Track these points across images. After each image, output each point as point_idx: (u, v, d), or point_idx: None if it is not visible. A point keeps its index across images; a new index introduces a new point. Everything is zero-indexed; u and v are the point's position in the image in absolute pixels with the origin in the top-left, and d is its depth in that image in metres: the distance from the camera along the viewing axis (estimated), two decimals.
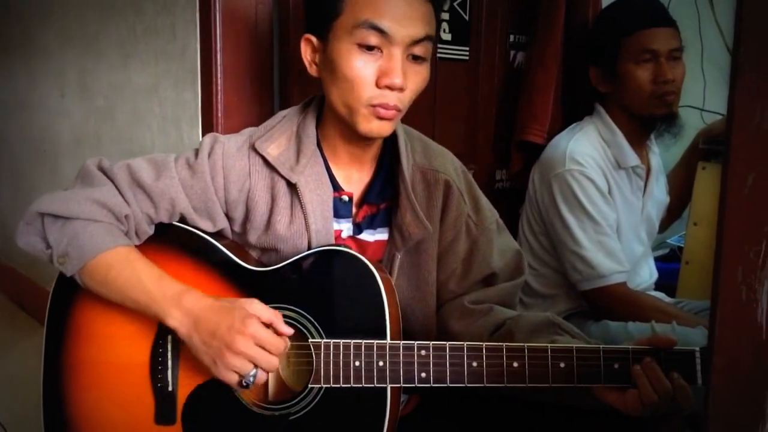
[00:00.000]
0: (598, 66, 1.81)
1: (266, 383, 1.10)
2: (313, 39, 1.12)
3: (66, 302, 1.15)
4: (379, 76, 1.04)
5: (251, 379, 1.00)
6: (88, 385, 1.13)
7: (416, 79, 1.07)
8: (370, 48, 1.03)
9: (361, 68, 1.04)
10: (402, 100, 1.06)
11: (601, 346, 0.98)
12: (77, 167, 1.17)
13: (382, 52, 1.04)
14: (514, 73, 2.20)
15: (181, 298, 1.03)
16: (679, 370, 0.94)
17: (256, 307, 1.02)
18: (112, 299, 1.08)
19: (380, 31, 1.02)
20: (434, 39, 1.08)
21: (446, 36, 2.00)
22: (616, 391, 0.97)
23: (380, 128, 1.08)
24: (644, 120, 1.76)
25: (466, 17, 2.04)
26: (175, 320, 1.03)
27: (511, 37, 2.19)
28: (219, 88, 1.56)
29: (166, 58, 1.79)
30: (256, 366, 1.00)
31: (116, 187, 1.11)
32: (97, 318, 1.13)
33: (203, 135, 1.62)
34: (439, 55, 1.98)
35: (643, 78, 1.72)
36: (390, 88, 1.04)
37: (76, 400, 1.14)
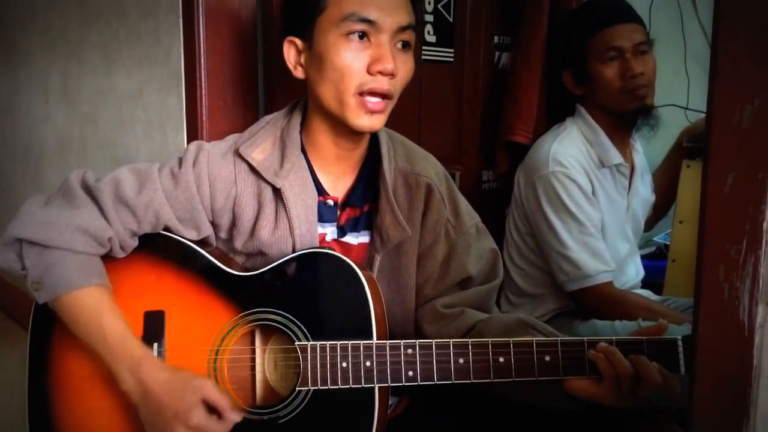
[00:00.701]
0: (569, 69, 1.83)
1: (253, 387, 1.10)
2: (297, 41, 1.12)
3: (50, 312, 1.13)
4: (370, 63, 1.05)
5: None
6: (74, 395, 1.12)
7: (404, 67, 1.09)
8: (360, 36, 1.05)
9: (351, 57, 1.05)
10: (394, 85, 1.07)
11: (585, 338, 0.99)
12: (62, 173, 1.16)
13: (370, 41, 1.05)
14: (499, 74, 2.20)
15: (139, 367, 1.04)
16: (662, 359, 0.95)
17: (207, 391, 1.01)
18: (78, 338, 1.09)
19: (368, 22, 1.04)
20: (416, 29, 1.10)
21: (431, 38, 2.00)
22: (596, 385, 0.97)
23: (371, 122, 1.08)
24: (621, 117, 1.77)
25: (451, 19, 2.05)
26: (128, 386, 1.04)
27: (496, 39, 2.20)
28: (203, 92, 1.55)
29: (150, 62, 1.78)
30: None
31: (99, 207, 1.10)
32: None
33: (188, 139, 1.62)
34: (423, 56, 1.99)
35: (610, 75, 1.73)
36: (382, 73, 1.05)
37: (62, 410, 1.13)
